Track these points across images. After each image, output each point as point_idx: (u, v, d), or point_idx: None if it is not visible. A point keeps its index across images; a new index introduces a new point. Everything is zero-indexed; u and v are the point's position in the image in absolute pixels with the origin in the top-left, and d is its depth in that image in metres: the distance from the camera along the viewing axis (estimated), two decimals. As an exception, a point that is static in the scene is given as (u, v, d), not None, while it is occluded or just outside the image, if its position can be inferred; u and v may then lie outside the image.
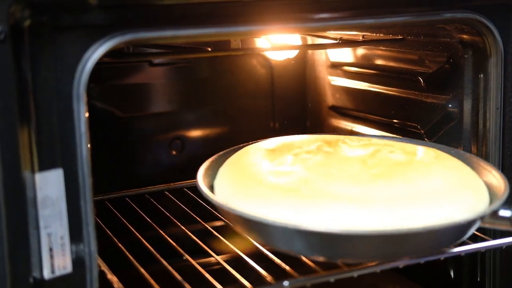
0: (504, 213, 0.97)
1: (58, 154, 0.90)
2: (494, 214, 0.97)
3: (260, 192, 0.96)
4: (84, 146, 0.91)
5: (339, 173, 0.98)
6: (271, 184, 0.97)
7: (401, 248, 0.92)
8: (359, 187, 0.94)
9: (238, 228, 1.01)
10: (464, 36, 1.22)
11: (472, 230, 0.97)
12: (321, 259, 0.97)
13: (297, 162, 1.03)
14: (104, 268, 1.07)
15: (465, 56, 1.23)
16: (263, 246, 1.13)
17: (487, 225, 1.00)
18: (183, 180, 1.51)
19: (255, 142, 1.22)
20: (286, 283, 0.98)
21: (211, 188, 1.07)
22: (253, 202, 0.95)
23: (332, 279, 1.03)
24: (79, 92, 0.90)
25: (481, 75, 1.21)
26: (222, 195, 1.02)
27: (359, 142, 1.12)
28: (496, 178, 1.05)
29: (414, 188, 0.94)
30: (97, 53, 0.91)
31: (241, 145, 1.22)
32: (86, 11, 0.90)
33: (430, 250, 0.97)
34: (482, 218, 0.96)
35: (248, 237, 1.07)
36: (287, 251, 0.96)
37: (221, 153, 1.19)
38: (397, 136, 1.28)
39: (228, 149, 1.20)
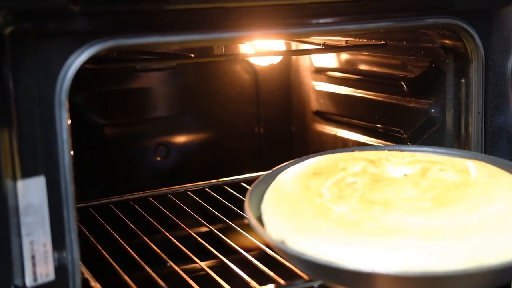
0: None
1: (40, 161, 0.89)
2: None
3: (320, 229, 0.88)
4: (66, 153, 0.91)
5: (395, 200, 0.91)
6: (330, 219, 0.89)
7: (482, 282, 0.85)
8: (423, 218, 0.87)
9: (303, 270, 0.94)
10: (446, 41, 1.23)
11: None
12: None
13: (346, 188, 0.96)
14: (88, 275, 1.06)
15: (447, 61, 1.24)
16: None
17: None
18: (168, 186, 1.51)
19: (290, 163, 1.13)
20: (270, 288, 0.98)
21: (259, 221, 0.97)
22: (315, 241, 0.87)
23: (316, 285, 1.04)
24: (61, 99, 0.90)
25: (463, 80, 1.21)
26: (276, 232, 0.92)
27: (403, 159, 1.06)
28: None
29: (481, 216, 0.88)
30: (79, 60, 0.91)
31: (276, 167, 1.12)
32: (68, 18, 0.89)
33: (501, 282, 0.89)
34: None
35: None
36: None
37: (258, 180, 1.07)
38: (438, 148, 1.18)
39: (262, 176, 1.09)
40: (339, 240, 0.85)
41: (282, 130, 1.77)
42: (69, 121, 0.92)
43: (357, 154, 1.10)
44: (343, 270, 0.82)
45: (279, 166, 1.11)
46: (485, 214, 0.88)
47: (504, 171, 1.03)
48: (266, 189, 1.03)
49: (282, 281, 1.04)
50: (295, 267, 0.98)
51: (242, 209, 1.37)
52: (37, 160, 0.89)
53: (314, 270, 0.88)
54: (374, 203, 0.90)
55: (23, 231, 0.89)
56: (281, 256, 1.05)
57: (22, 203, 0.88)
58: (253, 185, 1.04)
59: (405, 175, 1.00)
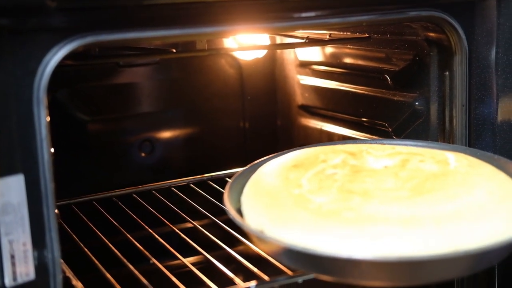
0: None
1: (18, 159, 0.88)
2: None
3: (298, 218, 0.87)
4: (45, 150, 0.90)
5: (375, 190, 0.92)
6: (308, 209, 0.89)
7: (460, 268, 0.86)
8: (402, 207, 0.87)
9: (282, 259, 0.92)
10: (430, 34, 1.22)
11: None
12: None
13: (326, 179, 0.96)
14: (69, 274, 1.05)
15: (431, 54, 1.24)
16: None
17: None
18: (153, 182, 1.50)
19: (270, 157, 1.12)
20: (253, 285, 0.97)
21: (239, 213, 0.97)
22: (293, 230, 0.87)
23: (300, 280, 1.03)
24: (39, 96, 0.89)
25: (447, 73, 1.21)
26: (255, 222, 0.92)
27: (384, 151, 1.06)
28: None
29: (459, 204, 0.89)
30: (57, 56, 0.90)
31: (257, 161, 1.12)
32: (44, 14, 0.88)
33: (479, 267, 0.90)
34: None
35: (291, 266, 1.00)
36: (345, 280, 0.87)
37: (238, 173, 1.07)
38: (419, 141, 1.18)
39: (245, 168, 1.09)
40: (318, 229, 0.85)
41: (267, 124, 1.77)
42: (48, 118, 0.90)
43: (338, 147, 1.10)
44: (321, 256, 0.82)
45: (259, 160, 1.12)
46: (463, 203, 0.89)
47: (484, 162, 1.03)
48: (246, 182, 1.03)
49: (266, 277, 1.03)
50: (274, 258, 0.97)
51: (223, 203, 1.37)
52: (15, 158, 0.88)
53: (292, 258, 0.87)
54: (354, 193, 0.90)
55: (2, 230, 0.87)
56: (260, 248, 1.05)
57: (0, 202, 0.87)
58: (232, 178, 1.04)
59: (385, 166, 1.01)
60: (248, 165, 1.10)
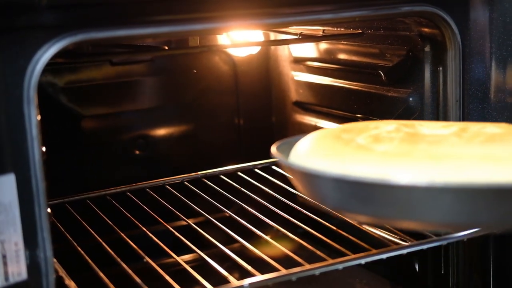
0: None
1: (9, 158, 0.87)
2: None
3: (365, 159, 0.79)
4: (36, 150, 0.89)
5: (441, 141, 0.83)
6: (375, 151, 0.80)
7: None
8: (478, 148, 0.79)
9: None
10: (423, 29, 1.22)
11: None
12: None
13: (384, 138, 0.86)
14: (62, 273, 1.05)
15: (424, 49, 1.23)
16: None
17: None
18: (147, 180, 1.50)
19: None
20: (246, 283, 0.97)
21: None
22: (363, 168, 0.78)
23: (294, 278, 1.03)
24: (30, 95, 0.88)
25: (440, 68, 1.21)
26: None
27: (437, 123, 0.97)
28: None
29: None
30: (47, 54, 0.89)
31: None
32: (34, 12, 0.88)
33: None
34: None
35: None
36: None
37: (278, 143, 0.97)
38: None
39: (283, 140, 0.99)
40: (388, 166, 0.76)
41: (262, 121, 1.76)
42: (39, 117, 0.90)
43: (386, 121, 1.00)
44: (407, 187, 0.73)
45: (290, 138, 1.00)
46: None
47: None
48: (290, 150, 0.93)
49: (260, 275, 1.03)
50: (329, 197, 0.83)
51: (221, 203, 1.37)
52: (6, 157, 0.87)
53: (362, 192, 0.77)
54: (420, 143, 0.82)
55: (-7, 230, 0.87)
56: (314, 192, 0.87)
57: (-9, 201, 0.86)
58: (274, 145, 0.95)
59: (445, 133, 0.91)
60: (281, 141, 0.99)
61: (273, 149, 0.90)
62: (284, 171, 0.84)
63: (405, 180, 0.74)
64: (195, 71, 1.66)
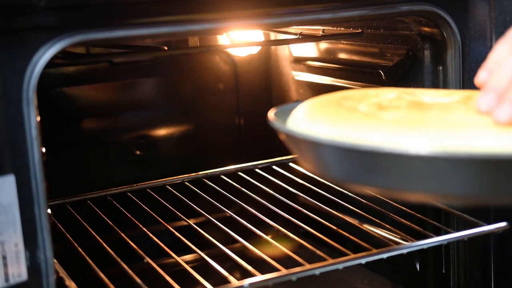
0: None
1: (8, 160, 0.87)
2: None
3: (370, 126, 0.73)
4: (36, 151, 0.89)
5: (451, 108, 0.78)
6: (383, 119, 0.75)
7: None
8: (490, 118, 0.73)
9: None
10: (423, 29, 1.22)
11: None
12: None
13: (387, 105, 0.80)
14: (63, 274, 1.05)
15: (424, 48, 1.23)
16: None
17: None
18: (147, 181, 1.49)
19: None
20: (246, 284, 0.97)
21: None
22: (372, 135, 0.72)
23: (294, 278, 1.03)
24: (29, 96, 0.88)
25: (440, 67, 1.20)
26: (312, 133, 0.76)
27: (439, 92, 0.91)
28: None
29: None
30: (46, 55, 0.89)
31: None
32: (33, 13, 0.88)
33: None
34: None
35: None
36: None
37: (276, 109, 0.91)
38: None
39: (281, 107, 0.93)
40: (403, 135, 0.71)
41: (262, 121, 1.74)
42: (39, 118, 0.90)
43: (384, 88, 0.93)
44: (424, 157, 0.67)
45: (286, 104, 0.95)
46: None
47: None
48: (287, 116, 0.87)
49: (261, 275, 1.03)
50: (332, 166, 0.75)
51: (221, 203, 1.37)
52: (5, 158, 0.87)
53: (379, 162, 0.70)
54: (428, 110, 0.77)
55: (-7, 231, 0.87)
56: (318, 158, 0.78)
57: (-9, 203, 0.86)
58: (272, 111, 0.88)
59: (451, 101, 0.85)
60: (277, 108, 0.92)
61: (271, 115, 0.84)
62: (284, 140, 0.78)
63: (424, 150, 0.68)
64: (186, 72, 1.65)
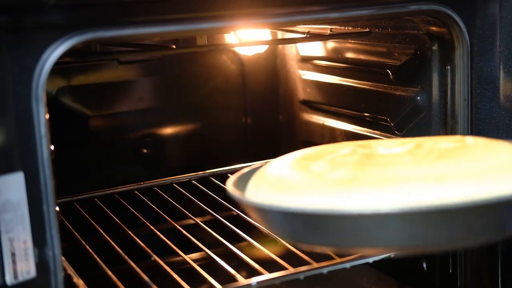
0: None
1: (17, 157, 0.88)
2: None
3: (315, 188, 0.80)
4: (45, 148, 0.90)
5: (394, 162, 0.84)
6: (328, 179, 0.81)
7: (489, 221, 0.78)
8: (429, 167, 0.81)
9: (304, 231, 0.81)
10: (431, 28, 1.21)
11: None
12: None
13: (338, 164, 0.87)
14: (71, 271, 1.05)
15: (432, 48, 1.23)
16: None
17: None
18: (155, 179, 1.50)
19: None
20: (254, 282, 0.97)
21: None
22: (314, 197, 0.79)
23: (301, 277, 1.03)
24: (38, 93, 0.89)
25: (448, 67, 1.20)
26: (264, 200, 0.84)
27: (394, 141, 1.00)
28: None
29: (487, 162, 0.83)
30: (55, 53, 0.89)
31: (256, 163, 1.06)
32: (42, 11, 0.88)
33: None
34: None
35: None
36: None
37: (237, 174, 0.96)
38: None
39: (243, 171, 0.97)
40: (340, 193, 0.77)
41: (269, 120, 1.76)
42: (47, 116, 0.90)
43: (343, 143, 1.02)
44: (355, 215, 0.74)
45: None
46: (490, 161, 0.83)
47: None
48: (248, 180, 0.94)
49: (268, 274, 1.03)
50: (281, 231, 0.85)
51: (229, 201, 1.37)
52: (15, 156, 0.87)
53: (316, 226, 0.78)
54: (372, 166, 0.84)
55: (2, 228, 0.87)
56: (274, 230, 0.89)
57: (0, 200, 0.86)
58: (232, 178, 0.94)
59: (400, 151, 0.93)
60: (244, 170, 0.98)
61: (230, 185, 0.89)
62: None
63: (353, 209, 0.74)
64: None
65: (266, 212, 0.82)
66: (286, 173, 0.87)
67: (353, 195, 0.77)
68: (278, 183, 0.85)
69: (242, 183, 0.92)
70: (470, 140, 0.95)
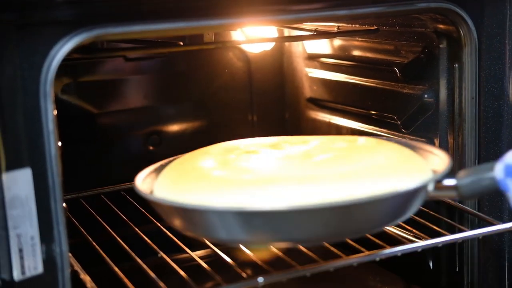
0: (448, 182, 0.95)
1: (25, 153, 0.88)
2: (439, 184, 0.96)
3: (199, 186, 0.94)
4: (52, 144, 0.90)
5: (282, 161, 0.98)
6: (210, 179, 0.95)
7: (350, 221, 0.89)
8: (303, 169, 0.94)
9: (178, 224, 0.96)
10: (439, 26, 1.21)
11: (419, 201, 0.95)
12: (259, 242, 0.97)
13: (238, 160, 1.01)
14: (77, 267, 1.05)
15: (440, 46, 1.22)
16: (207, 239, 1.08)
17: (433, 196, 0.97)
18: (161, 176, 1.50)
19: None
20: (260, 279, 0.97)
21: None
22: (194, 194, 0.92)
23: (308, 274, 1.03)
24: (46, 89, 0.89)
25: (456, 65, 1.20)
26: (160, 194, 0.99)
27: (302, 139, 1.13)
28: (439, 157, 1.04)
29: (358, 165, 0.94)
30: (63, 49, 0.90)
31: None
32: (51, 8, 0.88)
33: (380, 223, 0.94)
34: (426, 187, 0.94)
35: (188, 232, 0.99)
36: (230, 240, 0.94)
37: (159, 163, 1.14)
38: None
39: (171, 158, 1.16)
40: (216, 191, 0.91)
41: (275, 117, 1.76)
42: (55, 112, 0.90)
43: (264, 138, 1.17)
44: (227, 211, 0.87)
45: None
46: (364, 164, 0.95)
47: (397, 144, 1.09)
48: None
49: (274, 271, 1.03)
50: (188, 227, 0.97)
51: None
52: (23, 152, 0.88)
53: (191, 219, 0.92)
54: (259, 165, 0.97)
55: (10, 224, 0.88)
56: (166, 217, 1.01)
57: (8, 195, 0.87)
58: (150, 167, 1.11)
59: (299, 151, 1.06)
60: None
61: (138, 181, 1.03)
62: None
63: (216, 207, 0.88)
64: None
65: (156, 205, 0.98)
66: (182, 168, 1.03)
67: (223, 193, 0.90)
68: (173, 178, 1.00)
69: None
70: (363, 140, 1.08)
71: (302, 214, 0.86)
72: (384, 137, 1.22)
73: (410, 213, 0.96)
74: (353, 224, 0.90)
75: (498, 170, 0.90)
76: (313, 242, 0.98)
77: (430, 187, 0.95)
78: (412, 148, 1.08)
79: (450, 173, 0.97)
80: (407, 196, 0.91)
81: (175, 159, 1.14)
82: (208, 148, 1.13)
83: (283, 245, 1.01)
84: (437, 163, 1.02)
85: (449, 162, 0.99)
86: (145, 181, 1.04)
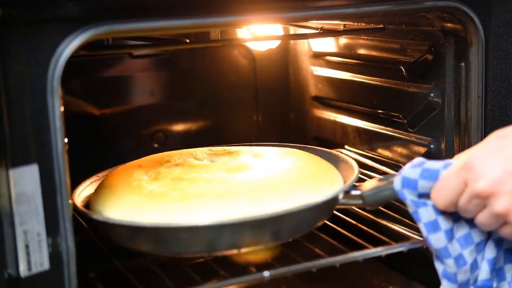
0: (355, 192, 1.07)
1: (32, 149, 0.88)
2: (347, 194, 1.08)
3: (130, 202, 1.03)
4: (59, 141, 0.90)
5: (202, 176, 1.08)
6: (141, 194, 1.04)
7: (268, 232, 1.00)
8: (221, 184, 1.04)
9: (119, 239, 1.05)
10: (446, 25, 1.21)
11: (333, 209, 1.11)
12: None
13: (164, 173, 1.11)
14: (83, 264, 1.05)
15: (447, 44, 1.22)
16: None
17: (343, 204, 1.09)
18: (166, 173, 1.50)
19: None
20: (266, 273, 0.97)
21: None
22: (125, 212, 1.02)
23: (314, 269, 1.03)
24: (53, 86, 0.89)
25: (463, 64, 1.20)
26: (95, 210, 1.09)
27: (219, 151, 1.27)
28: (349, 165, 1.19)
29: (272, 178, 1.06)
30: (71, 46, 0.90)
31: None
32: (58, 4, 0.88)
33: (296, 231, 1.03)
34: (336, 198, 1.06)
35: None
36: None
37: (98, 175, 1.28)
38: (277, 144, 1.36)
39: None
40: (146, 209, 1.01)
41: (280, 116, 1.76)
42: (62, 109, 0.91)
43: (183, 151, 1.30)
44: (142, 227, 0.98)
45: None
46: (278, 177, 1.06)
47: (299, 150, 1.25)
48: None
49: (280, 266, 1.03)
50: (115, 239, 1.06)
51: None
52: (29, 148, 0.88)
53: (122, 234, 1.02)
54: (183, 180, 1.06)
55: (16, 220, 0.88)
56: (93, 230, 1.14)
57: (14, 192, 0.87)
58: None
59: (213, 161, 1.21)
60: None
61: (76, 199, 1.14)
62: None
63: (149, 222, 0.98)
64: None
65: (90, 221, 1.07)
66: (116, 184, 1.11)
67: (157, 212, 1.01)
68: (107, 199, 1.08)
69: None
70: (267, 153, 1.20)
71: (218, 230, 0.96)
72: (303, 146, 1.34)
73: (321, 222, 1.09)
74: (268, 236, 1.01)
75: (397, 181, 0.98)
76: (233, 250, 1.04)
77: (340, 196, 1.07)
78: (327, 156, 1.24)
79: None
80: (319, 208, 1.03)
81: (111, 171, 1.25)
82: (140, 160, 1.24)
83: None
84: (348, 171, 1.16)
85: (357, 172, 1.13)
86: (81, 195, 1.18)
